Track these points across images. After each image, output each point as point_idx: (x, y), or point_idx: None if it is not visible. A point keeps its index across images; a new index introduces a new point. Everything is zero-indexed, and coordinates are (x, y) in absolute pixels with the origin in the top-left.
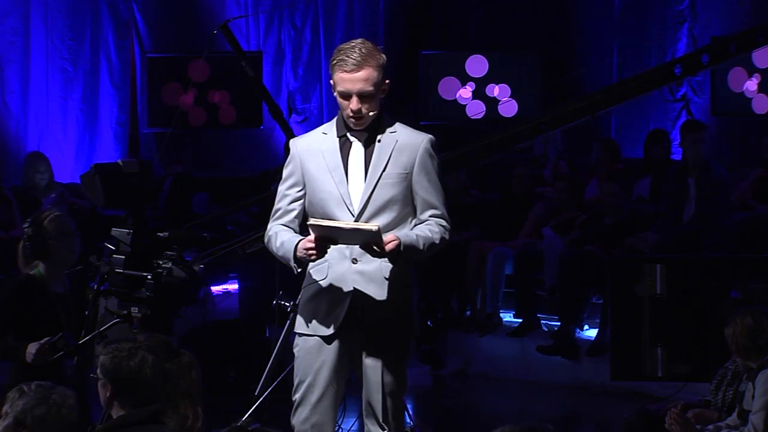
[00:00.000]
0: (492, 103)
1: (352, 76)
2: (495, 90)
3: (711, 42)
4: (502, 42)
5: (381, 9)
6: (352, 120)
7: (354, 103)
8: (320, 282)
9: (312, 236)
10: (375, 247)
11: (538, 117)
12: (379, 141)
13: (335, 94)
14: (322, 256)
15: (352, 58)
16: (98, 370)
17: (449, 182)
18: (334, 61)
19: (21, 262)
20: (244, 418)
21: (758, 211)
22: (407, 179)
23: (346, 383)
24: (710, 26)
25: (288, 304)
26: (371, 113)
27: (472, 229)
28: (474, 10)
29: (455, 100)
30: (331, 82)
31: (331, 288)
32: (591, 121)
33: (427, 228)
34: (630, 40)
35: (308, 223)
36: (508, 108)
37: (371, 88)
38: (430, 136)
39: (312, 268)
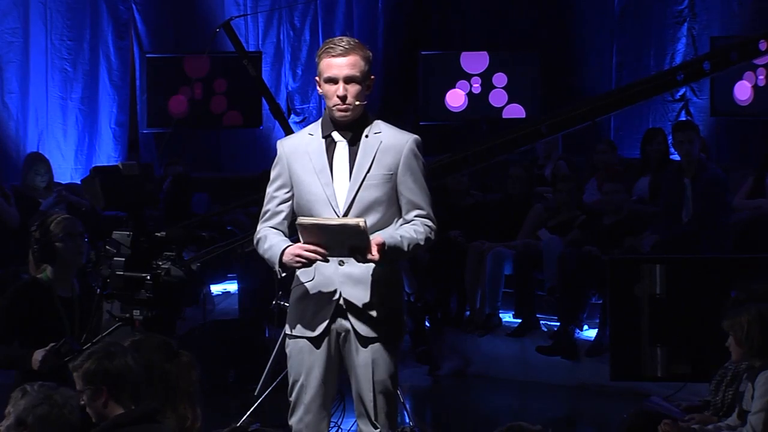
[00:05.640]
0: (491, 103)
1: (340, 61)
2: (494, 91)
3: (711, 47)
4: (501, 42)
5: (380, 9)
6: (338, 108)
7: (340, 89)
8: (307, 283)
9: (303, 244)
10: (359, 255)
11: (539, 120)
12: (366, 136)
13: (320, 88)
14: (309, 266)
15: (340, 46)
16: (82, 384)
17: (451, 184)
18: (321, 51)
19: (31, 266)
20: (244, 419)
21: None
22: (392, 180)
23: (342, 383)
24: (710, 26)
25: (287, 305)
26: (357, 102)
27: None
28: (473, 10)
29: (454, 100)
30: (317, 77)
31: (318, 289)
32: (591, 125)
33: (412, 228)
34: (629, 40)
35: (296, 222)
36: (508, 109)
37: (358, 74)
38: (416, 136)
39: (300, 269)
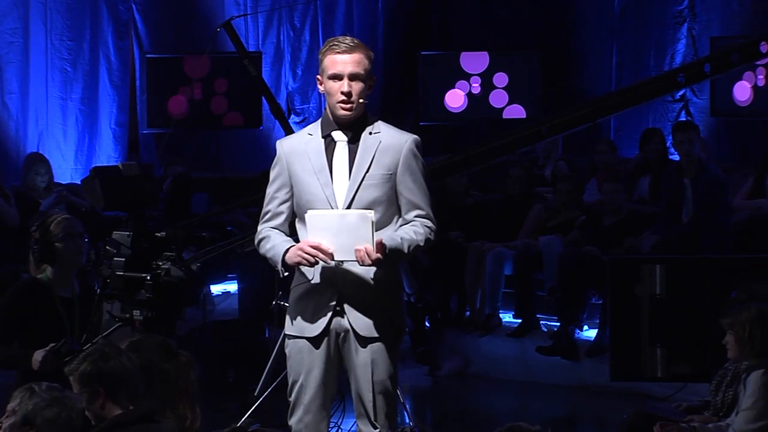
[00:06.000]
0: (491, 104)
1: (345, 57)
2: (494, 91)
3: (711, 47)
4: (501, 42)
5: (380, 9)
6: (342, 105)
7: (345, 85)
8: (307, 283)
9: (309, 242)
10: (361, 259)
11: (540, 122)
12: (370, 134)
13: (322, 86)
14: (312, 266)
15: (344, 43)
16: (79, 387)
17: (450, 184)
18: (325, 48)
19: (31, 266)
20: (244, 419)
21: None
22: (391, 180)
23: (342, 383)
24: (710, 26)
25: (287, 305)
26: (360, 100)
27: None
28: (473, 10)
29: (454, 100)
30: (319, 76)
31: (318, 289)
32: (591, 126)
33: (412, 230)
34: (629, 40)
35: (306, 215)
36: (508, 110)
37: (362, 72)
38: (415, 136)
39: (304, 266)
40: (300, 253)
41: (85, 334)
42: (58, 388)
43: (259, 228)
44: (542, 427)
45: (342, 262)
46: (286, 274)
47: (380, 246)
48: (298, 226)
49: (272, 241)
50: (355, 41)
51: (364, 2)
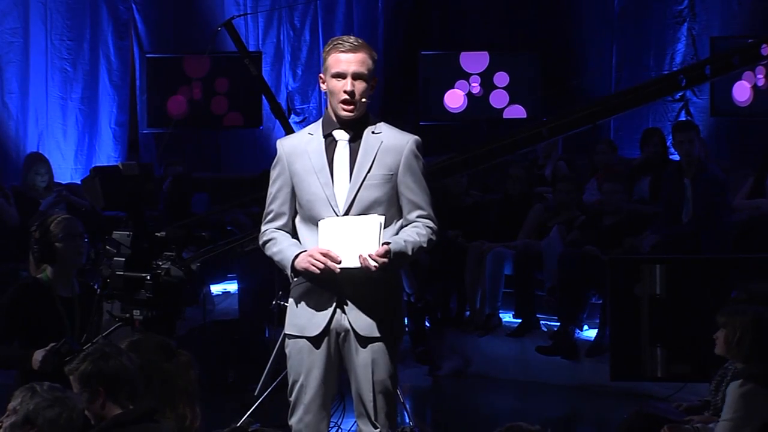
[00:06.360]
0: (491, 104)
1: (349, 56)
2: (495, 91)
3: (711, 47)
4: (501, 42)
5: (380, 9)
6: (343, 105)
7: (348, 84)
8: (308, 282)
9: (319, 248)
10: (366, 267)
11: (540, 123)
12: (373, 133)
13: (324, 85)
14: (321, 272)
15: (349, 42)
16: (79, 387)
17: (450, 184)
18: (329, 47)
19: (31, 266)
20: (244, 419)
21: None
22: (392, 180)
23: (342, 383)
24: (710, 26)
25: (287, 305)
26: (363, 100)
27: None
28: (473, 10)
29: (454, 100)
30: (322, 74)
31: (318, 289)
32: (592, 127)
33: (414, 231)
34: (629, 40)
35: (319, 223)
36: (509, 110)
37: (366, 72)
38: (416, 137)
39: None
40: (310, 260)
41: (85, 334)
42: (60, 389)
43: (263, 228)
44: (542, 427)
45: (348, 269)
46: (295, 279)
47: (385, 251)
48: (298, 225)
49: (279, 244)
50: (359, 41)
51: (364, 2)
